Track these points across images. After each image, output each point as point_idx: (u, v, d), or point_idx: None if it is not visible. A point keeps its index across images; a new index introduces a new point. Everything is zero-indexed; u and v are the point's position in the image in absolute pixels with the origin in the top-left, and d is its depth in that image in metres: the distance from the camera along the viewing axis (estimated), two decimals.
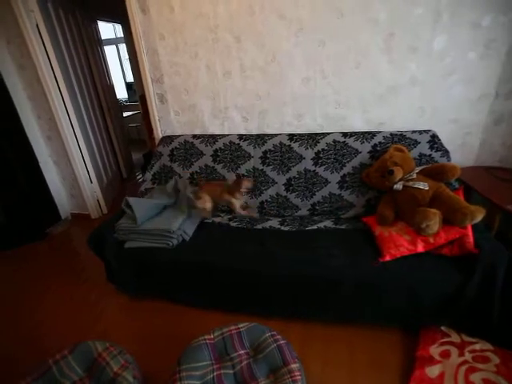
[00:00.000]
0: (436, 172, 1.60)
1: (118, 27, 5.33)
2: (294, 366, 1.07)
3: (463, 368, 1.24)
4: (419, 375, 1.26)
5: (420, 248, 1.39)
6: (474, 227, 1.40)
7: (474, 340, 1.36)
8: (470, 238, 1.35)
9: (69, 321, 1.79)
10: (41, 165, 2.72)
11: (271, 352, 1.12)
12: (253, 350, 1.17)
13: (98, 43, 3.56)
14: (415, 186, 1.55)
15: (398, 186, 1.61)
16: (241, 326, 1.23)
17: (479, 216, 1.34)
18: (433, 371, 1.26)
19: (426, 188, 1.52)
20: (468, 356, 1.29)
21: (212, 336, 1.21)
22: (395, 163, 1.66)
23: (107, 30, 5.54)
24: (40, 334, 1.71)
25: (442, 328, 1.44)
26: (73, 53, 2.76)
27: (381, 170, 1.70)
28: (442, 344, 1.37)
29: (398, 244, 1.41)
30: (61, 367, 1.14)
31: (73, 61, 2.74)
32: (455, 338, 1.39)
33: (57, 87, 2.48)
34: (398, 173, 1.62)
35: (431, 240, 1.39)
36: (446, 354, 1.32)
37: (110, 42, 5.54)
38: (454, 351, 1.33)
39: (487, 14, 1.65)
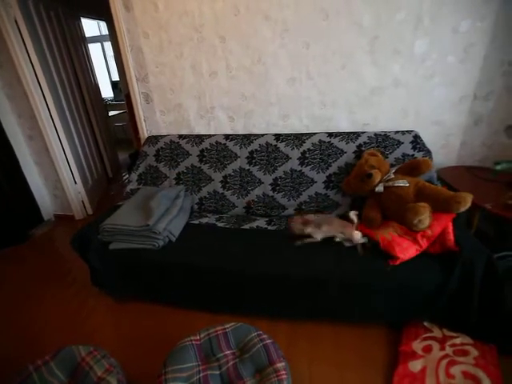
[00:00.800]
0: (411, 168, 1.65)
1: (103, 24, 5.23)
2: (280, 365, 1.08)
3: (444, 362, 1.28)
4: (402, 370, 1.29)
5: (424, 244, 1.40)
6: (455, 225, 1.44)
7: (454, 334, 1.40)
8: (451, 236, 1.39)
9: (54, 324, 1.75)
10: (21, 165, 2.64)
11: (257, 351, 1.13)
12: (239, 350, 1.18)
13: (81, 41, 3.47)
14: (396, 184, 1.58)
15: (380, 188, 1.64)
16: (227, 326, 1.23)
17: (470, 200, 1.35)
18: (415, 366, 1.30)
19: (407, 184, 1.55)
20: (449, 350, 1.33)
21: (198, 337, 1.20)
22: (372, 166, 1.70)
23: (91, 27, 5.42)
24: (23, 338, 1.66)
25: (425, 323, 1.48)
26: (55, 50, 2.69)
27: (359, 175, 1.73)
28: (425, 339, 1.41)
29: (406, 246, 1.40)
30: (42, 373, 1.11)
31: (55, 58, 2.67)
32: (437, 332, 1.43)
33: (38, 85, 2.41)
34: (377, 175, 1.65)
35: (430, 232, 1.40)
36: (428, 349, 1.36)
37: (94, 39, 5.42)
38: (436, 346, 1.36)
39: (465, 19, 1.70)
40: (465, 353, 1.31)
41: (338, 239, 1.55)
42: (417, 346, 1.38)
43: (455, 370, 1.24)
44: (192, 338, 1.20)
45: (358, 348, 1.47)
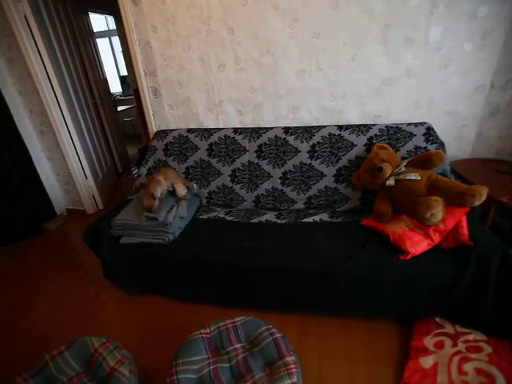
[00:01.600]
0: (423, 161, 1.60)
1: (111, 19, 5.23)
2: (290, 358, 1.08)
3: (456, 358, 1.26)
4: (413, 365, 1.28)
5: (437, 238, 1.37)
6: (469, 219, 1.41)
7: (467, 330, 1.38)
8: (465, 230, 1.35)
9: (67, 316, 1.79)
10: (34, 160, 2.69)
11: (267, 345, 1.13)
12: (249, 343, 1.18)
13: (89, 35, 3.49)
14: (407, 177, 1.55)
15: (391, 182, 1.61)
16: (237, 319, 1.24)
17: (485, 193, 1.31)
18: (427, 361, 1.28)
19: (419, 178, 1.51)
20: (461, 346, 1.31)
21: (208, 330, 1.21)
22: (382, 160, 1.66)
23: (99, 22, 5.43)
24: (39, 329, 1.71)
25: (437, 319, 1.45)
26: (64, 45, 2.70)
27: (369, 169, 1.70)
28: (436, 335, 1.39)
29: (417, 240, 1.38)
30: (57, 363, 1.14)
31: (64, 53, 2.69)
32: (449, 328, 1.41)
33: (48, 81, 2.44)
34: (387, 169, 1.62)
35: (442, 226, 1.37)
36: (439, 345, 1.34)
37: (102, 34, 5.44)
38: (448, 342, 1.34)
39: (483, 4, 1.63)
40: (478, 349, 1.28)
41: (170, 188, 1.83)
42: (428, 341, 1.36)
43: (468, 367, 1.22)
44: (202, 331, 1.21)
45: (368, 343, 1.46)
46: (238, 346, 1.17)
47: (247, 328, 1.21)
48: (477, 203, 1.33)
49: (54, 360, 1.15)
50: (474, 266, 1.26)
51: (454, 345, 1.32)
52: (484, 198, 1.32)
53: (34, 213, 2.73)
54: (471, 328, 1.38)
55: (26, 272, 2.23)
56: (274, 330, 1.19)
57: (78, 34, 3.09)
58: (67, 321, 1.76)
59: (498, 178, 1.69)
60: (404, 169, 1.62)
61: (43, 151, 2.77)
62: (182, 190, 1.84)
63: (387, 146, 1.77)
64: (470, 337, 1.35)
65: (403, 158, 1.78)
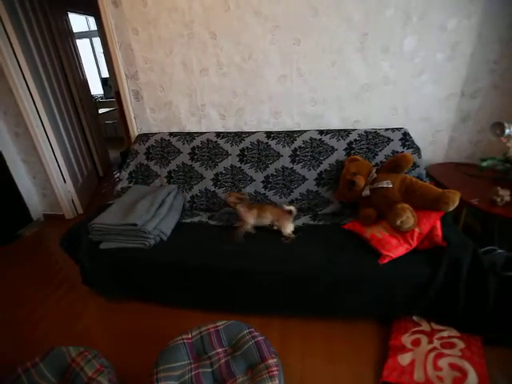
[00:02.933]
0: (393, 166, 1.65)
1: (92, 20, 5.12)
2: (272, 361, 1.09)
3: (432, 354, 1.31)
4: (392, 363, 1.31)
5: (415, 243, 1.40)
6: (443, 221, 1.47)
7: (442, 328, 1.44)
8: (439, 232, 1.41)
9: (44, 325, 1.72)
10: (8, 163, 2.58)
11: (249, 349, 1.13)
12: (231, 347, 1.18)
13: (69, 36, 3.40)
14: (379, 186, 1.60)
15: (366, 192, 1.65)
16: (219, 324, 1.24)
17: (457, 199, 1.36)
18: (404, 359, 1.32)
19: (390, 185, 1.56)
20: (436, 343, 1.36)
21: (190, 335, 1.20)
22: (353, 173, 1.72)
23: (80, 22, 5.31)
24: (13, 340, 1.64)
25: (414, 317, 1.51)
26: (41, 45, 2.63)
27: (346, 185, 1.75)
28: (414, 333, 1.44)
29: (395, 244, 1.41)
30: (31, 375, 1.10)
31: (41, 53, 2.61)
32: (425, 326, 1.46)
33: (23, 81, 2.36)
34: (360, 180, 1.67)
35: (418, 231, 1.40)
36: (416, 342, 1.39)
37: (83, 35, 5.32)
38: (424, 339, 1.39)
39: (453, 17, 1.72)
40: (452, 345, 1.34)
41: (275, 227, 1.70)
42: (406, 339, 1.41)
43: (443, 363, 1.27)
44: (184, 336, 1.20)
45: (349, 343, 1.49)
46: (220, 350, 1.17)
47: (229, 332, 1.21)
48: (450, 209, 1.38)
49: (28, 372, 1.10)
50: (446, 266, 1.32)
51: (430, 342, 1.37)
52: (456, 203, 1.37)
53: (8, 219, 2.61)
54: (446, 325, 1.44)
55: (0, 280, 2.14)
56: (256, 334, 1.19)
57: (56, 34, 3.01)
58: (45, 329, 1.70)
59: (470, 181, 1.78)
60: (375, 175, 1.68)
61: (19, 154, 2.67)
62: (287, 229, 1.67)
63: (357, 157, 1.84)
64: (445, 333, 1.40)
65: (381, 163, 1.84)
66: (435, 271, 1.33)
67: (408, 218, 1.39)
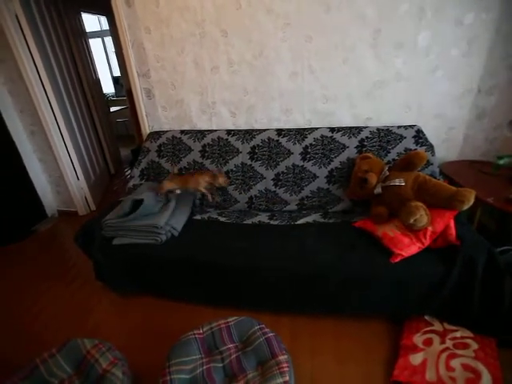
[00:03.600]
0: (406, 163, 1.62)
1: (103, 19, 5.19)
2: (282, 357, 1.09)
3: (444, 355, 1.29)
4: (403, 363, 1.30)
5: (427, 241, 1.38)
6: (457, 219, 1.44)
7: (455, 328, 1.41)
8: (453, 231, 1.39)
9: (59, 319, 1.77)
10: (24, 161, 2.66)
11: (259, 345, 1.14)
12: (242, 343, 1.19)
13: (82, 35, 3.46)
14: (391, 183, 1.58)
15: (378, 190, 1.63)
16: (230, 320, 1.25)
17: (473, 198, 1.33)
18: (416, 359, 1.31)
19: (403, 183, 1.53)
20: (449, 343, 1.34)
21: (201, 331, 1.22)
22: (365, 171, 1.69)
23: (92, 22, 5.39)
24: (30, 332, 1.69)
25: (426, 317, 1.49)
26: (55, 45, 2.68)
27: (357, 183, 1.73)
28: (425, 333, 1.42)
29: (408, 243, 1.39)
30: (49, 366, 1.13)
31: (56, 53, 2.66)
32: (438, 326, 1.44)
33: (39, 81, 2.41)
34: (372, 178, 1.64)
35: (431, 229, 1.38)
36: (428, 342, 1.37)
37: (95, 34, 5.40)
38: (436, 339, 1.38)
39: (469, 11, 1.68)
40: (465, 346, 1.32)
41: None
42: (418, 339, 1.39)
43: (455, 363, 1.25)
44: (195, 331, 1.21)
45: (359, 341, 1.49)
46: (231, 345, 1.18)
47: (240, 328, 1.22)
48: (465, 208, 1.35)
49: (45, 363, 1.14)
50: (460, 265, 1.30)
51: (442, 342, 1.36)
52: (472, 202, 1.34)
53: (24, 215, 2.69)
54: (459, 325, 1.41)
55: (16, 275, 2.20)
56: (267, 330, 1.20)
57: (70, 34, 3.07)
58: (59, 323, 1.74)
59: (485, 179, 1.74)
60: (388, 173, 1.65)
61: (34, 152, 2.74)
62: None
63: (369, 154, 1.82)
64: (458, 334, 1.38)
65: (393, 160, 1.82)
66: (449, 270, 1.31)
67: (422, 216, 1.37)
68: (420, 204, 1.40)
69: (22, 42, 2.28)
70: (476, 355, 1.27)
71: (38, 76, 2.40)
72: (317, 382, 1.33)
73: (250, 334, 1.19)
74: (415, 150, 1.83)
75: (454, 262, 1.31)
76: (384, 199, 1.63)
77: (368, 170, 1.70)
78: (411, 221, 1.38)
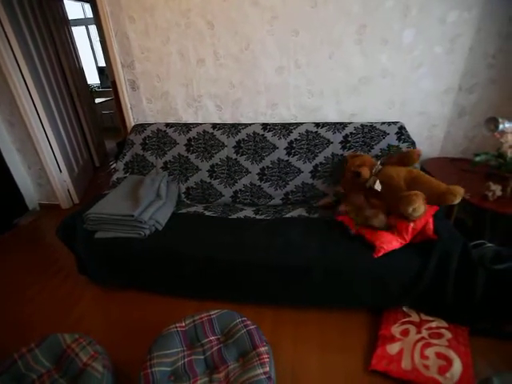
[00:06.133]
0: (401, 158, 1.67)
1: (88, 6, 5.02)
2: (263, 349, 1.11)
3: (420, 344, 1.35)
4: (381, 352, 1.35)
5: (409, 237, 1.42)
6: (435, 215, 1.48)
7: (431, 318, 1.47)
8: (431, 226, 1.43)
9: (41, 313, 1.74)
10: (3, 153, 2.57)
11: (241, 337, 1.16)
12: (223, 335, 1.21)
13: (64, 23, 3.34)
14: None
15: (376, 186, 1.62)
16: (212, 313, 1.26)
17: (462, 193, 1.39)
18: (393, 348, 1.36)
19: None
20: (425, 333, 1.40)
21: (183, 324, 1.23)
22: (358, 166, 1.72)
23: (75, 9, 5.20)
24: (9, 327, 1.66)
25: (404, 308, 1.54)
26: (35, 32, 2.58)
27: (349, 178, 1.75)
28: (403, 323, 1.47)
29: (389, 239, 1.42)
30: (27, 361, 1.12)
31: (36, 41, 2.57)
32: (415, 317, 1.50)
33: (18, 69, 2.33)
34: (365, 171, 1.66)
35: (412, 225, 1.41)
36: (405, 333, 1.42)
37: (78, 22, 5.21)
38: (413, 329, 1.43)
39: (452, 10, 1.71)
40: (439, 335, 1.37)
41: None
42: (395, 329, 1.44)
43: (429, 352, 1.30)
44: (177, 324, 1.22)
45: (340, 332, 1.53)
46: (212, 338, 1.19)
47: (222, 321, 1.23)
48: (456, 202, 1.40)
49: (23, 357, 1.12)
50: (436, 258, 1.35)
51: (418, 332, 1.41)
52: (461, 196, 1.39)
53: (4, 207, 2.61)
54: (434, 316, 1.47)
55: None
56: (249, 322, 1.21)
57: (51, 20, 2.95)
58: (41, 317, 1.72)
59: (464, 176, 1.80)
60: (380, 167, 1.68)
61: (13, 143, 2.65)
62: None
63: (358, 154, 1.85)
64: (433, 324, 1.44)
65: (376, 156, 1.85)
66: (426, 264, 1.36)
67: (419, 205, 1.37)
68: (419, 192, 1.40)
69: None
70: (449, 344, 1.32)
71: (16, 64, 2.31)
72: (297, 371, 1.36)
73: (232, 327, 1.21)
74: (397, 146, 1.87)
75: (430, 256, 1.35)
76: (378, 192, 1.65)
77: (361, 164, 1.72)
78: (410, 210, 1.37)
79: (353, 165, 1.75)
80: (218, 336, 1.20)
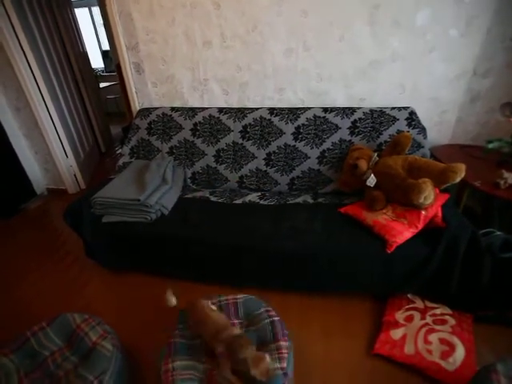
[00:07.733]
0: (393, 147, 1.66)
1: None
2: (284, 343, 1.10)
3: (423, 330, 1.36)
4: (384, 337, 1.36)
5: (421, 225, 1.38)
6: (444, 203, 1.46)
7: (436, 305, 1.48)
8: (439, 213, 1.42)
9: (50, 296, 1.78)
10: (10, 138, 2.58)
11: (263, 326, 1.16)
12: (246, 320, 1.22)
13: (66, 4, 3.27)
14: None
15: (371, 181, 1.62)
16: (238, 297, 1.28)
17: (464, 170, 1.36)
18: (396, 334, 1.37)
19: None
20: (429, 319, 1.41)
21: (216, 300, 1.26)
22: (356, 158, 1.70)
23: None
24: (20, 308, 1.71)
25: (409, 295, 1.54)
26: (38, 15, 2.54)
27: (349, 171, 1.73)
28: (407, 310, 1.48)
29: (401, 229, 1.38)
30: (39, 338, 1.16)
31: (39, 23, 2.53)
32: (419, 304, 1.50)
33: (22, 53, 2.30)
34: (362, 163, 1.64)
35: (424, 213, 1.38)
36: (409, 319, 1.43)
37: (81, 4, 5.10)
38: (417, 315, 1.44)
39: None
40: (443, 322, 1.38)
41: None
42: (399, 316, 1.45)
43: (433, 337, 1.31)
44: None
45: (344, 317, 1.54)
46: (235, 321, 1.21)
47: (247, 306, 1.25)
48: (457, 179, 1.36)
49: (36, 335, 1.16)
50: (444, 245, 1.34)
51: (423, 318, 1.42)
52: (463, 173, 1.35)
53: (12, 192, 2.64)
54: (439, 303, 1.48)
55: (5, 252, 2.19)
56: (273, 313, 1.21)
57: (54, 5, 2.89)
58: (50, 300, 1.76)
59: (474, 163, 1.75)
60: (377, 159, 1.66)
61: (20, 129, 2.65)
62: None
63: (359, 145, 1.82)
64: (438, 311, 1.44)
65: (385, 142, 1.82)
66: (433, 251, 1.35)
67: (430, 192, 1.34)
68: (428, 179, 1.37)
69: (1, 11, 2.14)
70: (453, 330, 1.33)
71: (20, 47, 2.28)
72: (302, 353, 1.38)
73: (256, 315, 1.21)
74: (408, 132, 1.82)
75: (438, 243, 1.34)
76: (378, 184, 1.63)
77: (359, 157, 1.70)
78: (422, 199, 1.33)
79: (351, 157, 1.74)
80: (241, 320, 1.22)
